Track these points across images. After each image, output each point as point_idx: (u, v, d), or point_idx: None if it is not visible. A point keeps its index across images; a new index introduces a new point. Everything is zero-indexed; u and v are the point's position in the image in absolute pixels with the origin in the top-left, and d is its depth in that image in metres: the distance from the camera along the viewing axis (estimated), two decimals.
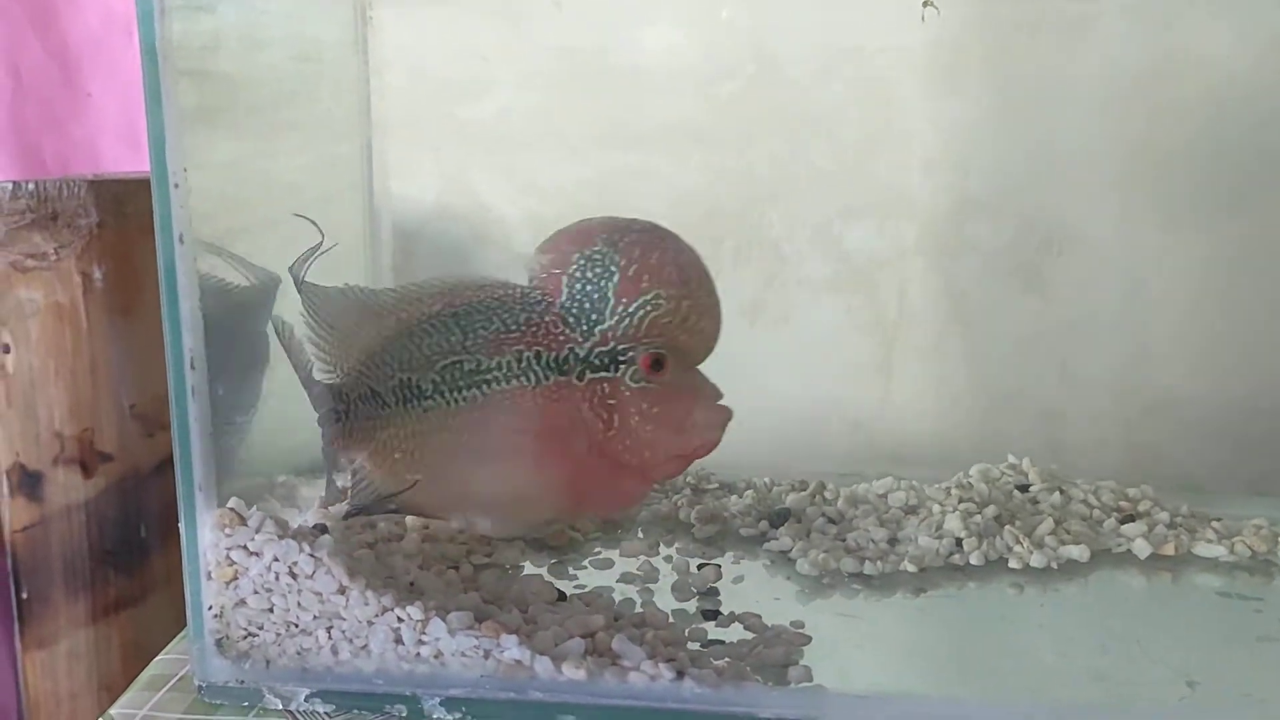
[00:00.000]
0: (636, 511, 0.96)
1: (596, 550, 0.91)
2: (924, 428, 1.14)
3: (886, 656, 0.76)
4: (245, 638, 0.71)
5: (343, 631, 0.70)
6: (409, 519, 0.88)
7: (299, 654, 0.71)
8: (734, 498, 0.97)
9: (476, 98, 1.04)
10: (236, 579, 0.71)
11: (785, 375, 1.08)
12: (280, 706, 0.71)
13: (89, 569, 1.02)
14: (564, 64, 1.03)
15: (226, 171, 0.74)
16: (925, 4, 0.94)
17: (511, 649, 0.69)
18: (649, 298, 0.74)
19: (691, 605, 0.81)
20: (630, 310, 0.75)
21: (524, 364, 0.75)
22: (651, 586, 0.84)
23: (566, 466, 0.76)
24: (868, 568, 0.86)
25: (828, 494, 0.97)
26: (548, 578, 0.86)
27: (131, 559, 1.04)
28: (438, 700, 0.70)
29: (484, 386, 0.75)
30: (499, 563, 0.87)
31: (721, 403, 0.79)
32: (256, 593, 0.71)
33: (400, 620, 0.70)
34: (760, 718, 0.68)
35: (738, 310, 1.05)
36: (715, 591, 0.84)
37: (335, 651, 0.70)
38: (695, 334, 0.76)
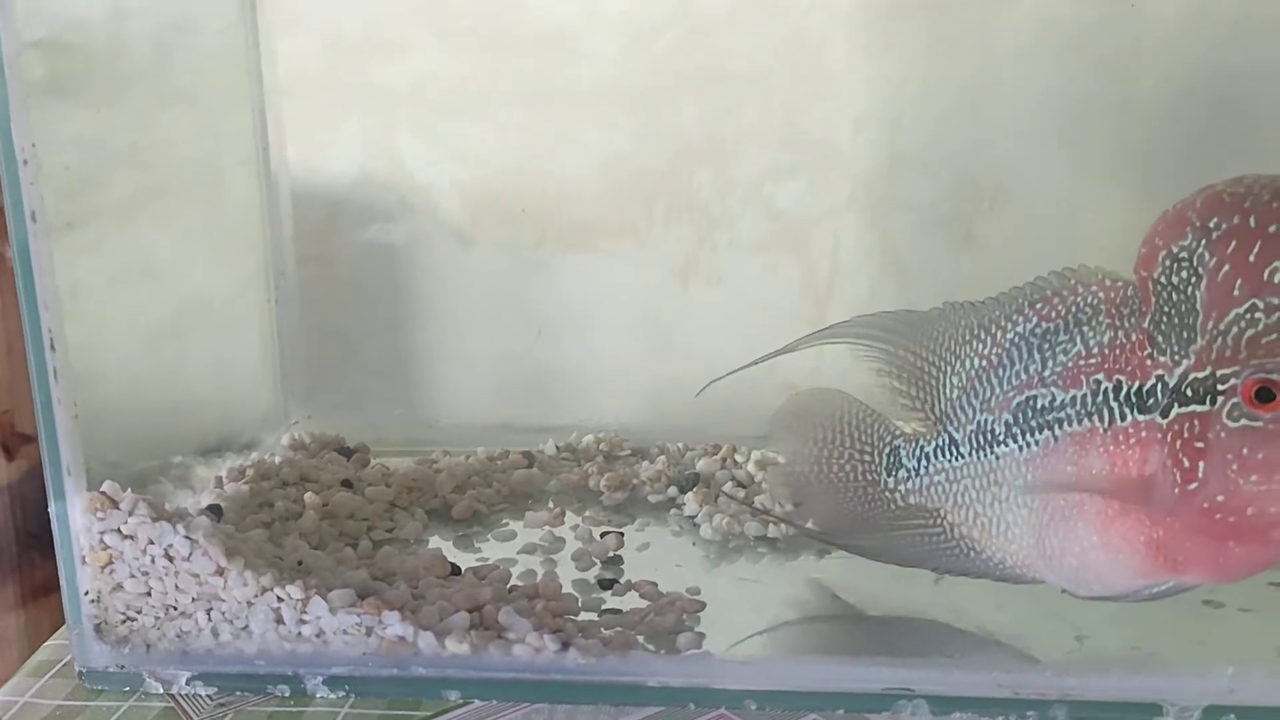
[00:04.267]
0: (545, 481, 0.95)
1: (504, 522, 0.90)
2: (857, 385, 1.13)
3: (781, 621, 0.76)
4: (124, 622, 0.70)
5: (222, 613, 0.69)
6: (306, 496, 0.86)
7: (179, 637, 0.69)
8: (645, 463, 0.96)
9: (392, 60, 1.01)
10: (111, 563, 0.69)
11: (718, 336, 1.06)
12: (161, 690, 0.70)
13: (15, 553, 1.01)
14: (484, 24, 1.01)
15: (87, 147, 0.71)
16: None
17: (394, 625, 0.68)
18: (1243, 310, 0.56)
19: (593, 574, 0.81)
20: (1222, 328, 0.57)
21: (1100, 398, 0.62)
22: (554, 557, 0.83)
23: (1146, 529, 0.61)
24: (771, 530, 0.85)
25: (738, 457, 0.96)
26: (452, 551, 0.85)
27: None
28: (320, 679, 0.69)
29: (1056, 428, 0.63)
30: (401, 537, 0.86)
31: None
32: (133, 576, 0.69)
33: (280, 600, 0.69)
34: (647, 685, 0.67)
35: (669, 273, 1.04)
36: (619, 560, 0.83)
37: (216, 633, 0.69)
38: None
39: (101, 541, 0.69)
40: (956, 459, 0.68)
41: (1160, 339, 0.60)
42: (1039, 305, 0.65)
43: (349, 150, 1.04)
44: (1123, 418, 0.61)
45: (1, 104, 0.62)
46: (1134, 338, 0.61)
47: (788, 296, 1.06)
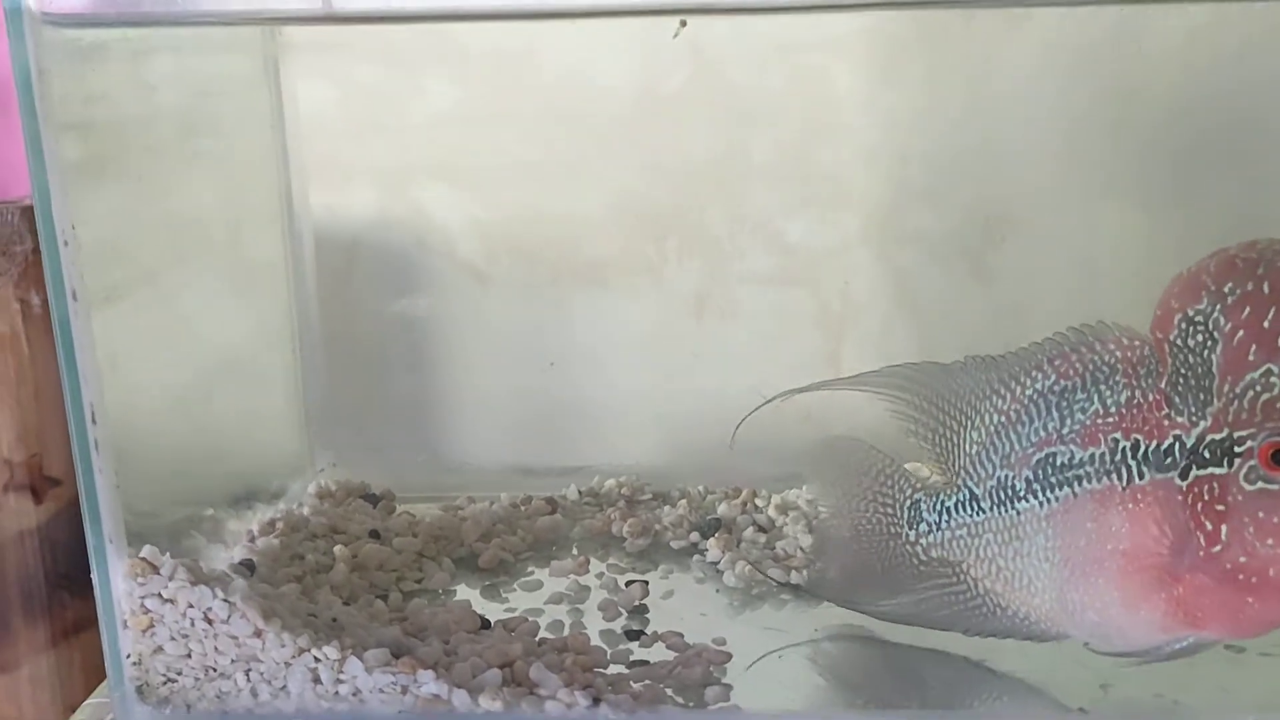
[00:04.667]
0: (569, 528, 0.96)
1: (529, 570, 0.92)
2: (873, 416, 1.14)
3: (807, 671, 0.77)
4: (165, 683, 0.71)
5: (261, 673, 0.71)
6: (336, 549, 0.88)
7: (219, 697, 0.71)
8: (667, 508, 0.98)
9: (409, 103, 1.03)
10: (152, 627, 0.71)
11: (733, 370, 1.08)
12: None
13: (45, 593, 1.02)
14: (496, 67, 1.03)
15: (122, 220, 0.73)
16: (682, 24, 0.93)
17: (428, 684, 0.70)
18: (1258, 375, 0.58)
19: (619, 625, 0.82)
20: (1238, 391, 0.59)
21: (1119, 456, 0.62)
22: (581, 607, 0.85)
23: (1166, 586, 0.62)
24: (794, 577, 0.86)
25: (759, 501, 0.98)
26: (480, 600, 0.86)
27: (86, 582, 1.03)
28: None
29: (1076, 485, 0.64)
30: (430, 588, 0.88)
31: None
32: (173, 639, 0.71)
33: (317, 660, 0.70)
34: None
35: (683, 308, 1.06)
36: (644, 609, 0.84)
37: (255, 694, 0.71)
38: None
39: (143, 605, 0.71)
40: (978, 514, 0.69)
41: (1177, 399, 0.61)
42: (1057, 362, 0.65)
43: (368, 194, 1.06)
44: (1141, 476, 0.62)
45: (42, 190, 0.64)
46: (1151, 397, 0.62)
47: (802, 330, 1.07)
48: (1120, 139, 1.00)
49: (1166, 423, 0.61)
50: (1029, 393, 0.66)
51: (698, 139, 1.03)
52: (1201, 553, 0.60)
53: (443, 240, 1.06)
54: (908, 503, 0.74)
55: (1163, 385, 0.62)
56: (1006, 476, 0.67)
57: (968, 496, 0.69)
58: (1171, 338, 0.61)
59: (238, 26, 0.88)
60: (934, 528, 0.72)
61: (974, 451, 0.69)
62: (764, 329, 1.07)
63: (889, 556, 0.74)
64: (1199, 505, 0.60)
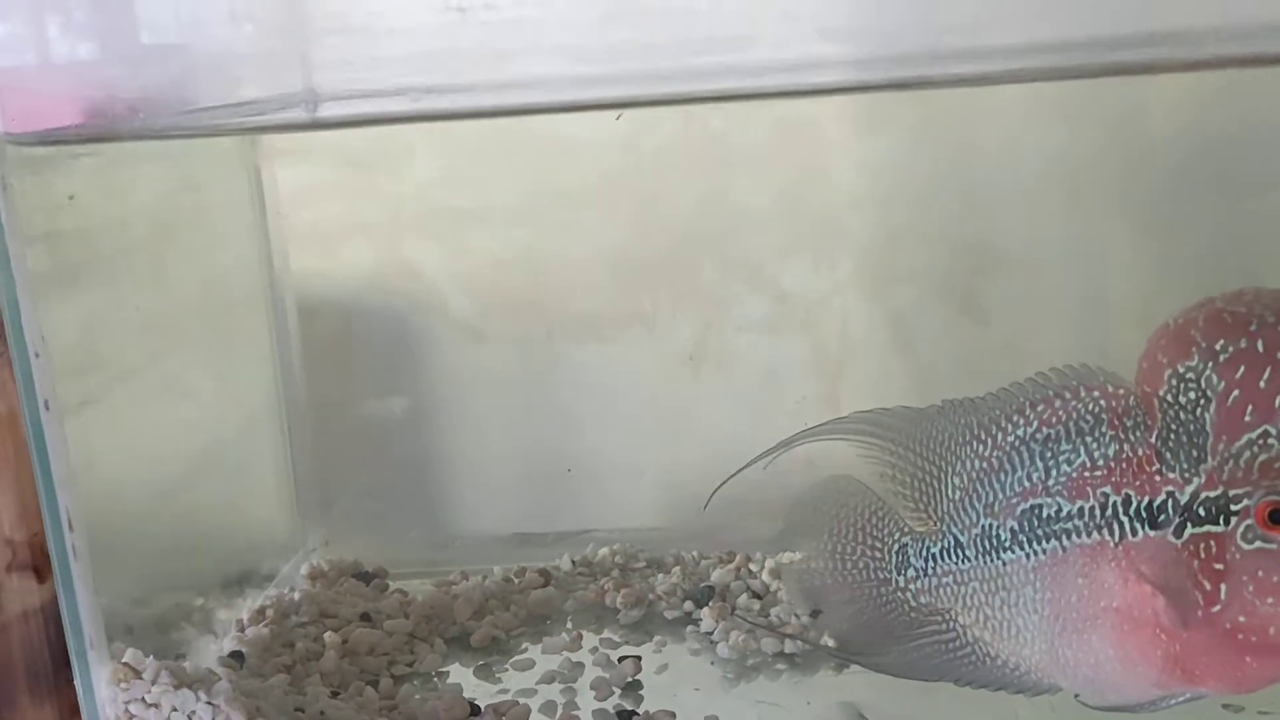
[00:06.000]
0: (562, 600, 0.96)
1: (523, 647, 0.91)
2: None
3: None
4: None
5: None
6: (326, 635, 0.88)
7: None
8: (660, 576, 0.97)
9: (398, 167, 1.03)
10: None
11: (731, 419, 1.07)
12: None
13: (51, 671, 1.02)
14: (484, 129, 1.03)
15: (95, 325, 0.74)
16: (618, 117, 0.94)
17: None
18: (1255, 435, 0.57)
19: (611, 704, 0.81)
20: (1233, 451, 0.58)
21: (1109, 511, 0.61)
22: (574, 685, 0.84)
23: (1162, 643, 0.61)
24: (788, 645, 0.86)
25: (753, 566, 0.97)
26: (472, 681, 0.86)
27: None
28: None
29: (1065, 539, 0.62)
30: (421, 671, 0.87)
31: None
32: None
33: None
34: None
35: (677, 359, 1.05)
36: (637, 685, 0.83)
37: None
38: None
39: (126, 711, 0.71)
40: (963, 561, 0.68)
41: (1169, 456, 0.60)
42: (1039, 408, 0.63)
43: (358, 261, 1.06)
44: (1134, 533, 0.60)
45: (11, 303, 0.64)
46: (1140, 452, 0.61)
47: (800, 375, 1.07)
48: (1112, 173, 1.00)
49: (1159, 478, 0.60)
50: (1010, 439, 0.64)
51: (686, 189, 1.03)
52: (1200, 611, 0.58)
53: (436, 301, 1.06)
54: (896, 547, 0.72)
55: (1153, 440, 0.60)
56: (990, 525, 0.66)
57: (952, 543, 0.68)
58: (1161, 393, 0.60)
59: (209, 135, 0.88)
60: (920, 574, 0.70)
61: (956, 497, 0.68)
62: (760, 377, 1.07)
63: (881, 604, 0.73)
64: (1195, 563, 0.58)
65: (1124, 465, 0.61)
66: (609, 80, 0.70)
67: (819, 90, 0.85)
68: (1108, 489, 0.61)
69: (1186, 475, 0.59)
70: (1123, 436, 0.61)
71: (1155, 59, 0.76)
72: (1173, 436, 0.59)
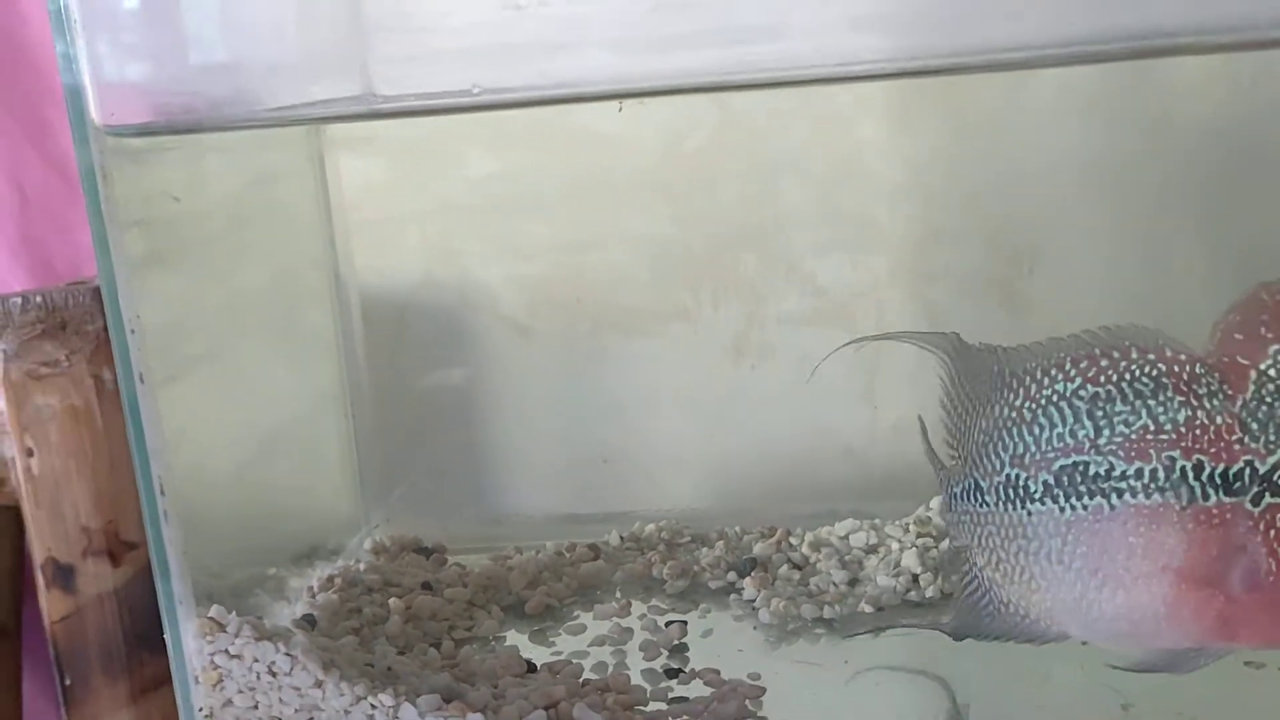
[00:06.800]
0: (611, 572, 1.00)
1: (575, 614, 0.96)
2: (912, 448, 1.17)
3: (840, 702, 0.80)
4: None
5: None
6: (391, 601, 0.93)
7: None
8: (704, 550, 1.02)
9: (449, 168, 1.09)
10: (221, 681, 0.76)
11: (775, 410, 1.11)
12: None
13: (124, 652, 1.08)
14: (532, 129, 1.08)
15: (182, 306, 0.80)
16: (619, 109, 0.98)
17: None
18: None
19: (659, 663, 0.86)
20: None
21: (1177, 475, 0.61)
22: (623, 648, 0.89)
23: (1218, 604, 0.62)
24: (827, 611, 0.90)
25: (793, 539, 1.01)
26: (528, 645, 0.91)
27: (162, 640, 1.10)
28: None
29: (1115, 496, 0.62)
30: (480, 635, 0.92)
31: None
32: (241, 692, 0.76)
33: (374, 707, 0.75)
34: None
35: (721, 352, 1.10)
36: (684, 647, 0.88)
37: None
38: None
39: (212, 662, 0.76)
40: (981, 505, 0.68)
41: (1255, 426, 0.60)
42: (1083, 364, 0.64)
43: (412, 257, 1.11)
44: (1205, 498, 0.61)
45: (109, 283, 0.71)
46: (1219, 420, 0.61)
47: (838, 368, 1.10)
48: (1146, 166, 1.02)
49: (1238, 447, 0.60)
50: (1047, 393, 0.64)
51: (727, 187, 1.07)
52: (1272, 577, 0.59)
53: (486, 298, 1.11)
54: (941, 471, 0.73)
55: (1237, 409, 0.61)
56: (1017, 475, 0.65)
57: (972, 486, 0.69)
58: (1263, 366, 0.60)
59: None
60: (947, 508, 0.72)
61: (981, 440, 0.68)
62: (800, 369, 1.10)
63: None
64: (1271, 532, 0.59)
65: (1198, 431, 0.61)
66: (657, 75, 0.74)
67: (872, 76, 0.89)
68: (1175, 453, 0.61)
69: (1271, 446, 0.59)
70: (1195, 403, 0.61)
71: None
72: (1264, 408, 0.60)
